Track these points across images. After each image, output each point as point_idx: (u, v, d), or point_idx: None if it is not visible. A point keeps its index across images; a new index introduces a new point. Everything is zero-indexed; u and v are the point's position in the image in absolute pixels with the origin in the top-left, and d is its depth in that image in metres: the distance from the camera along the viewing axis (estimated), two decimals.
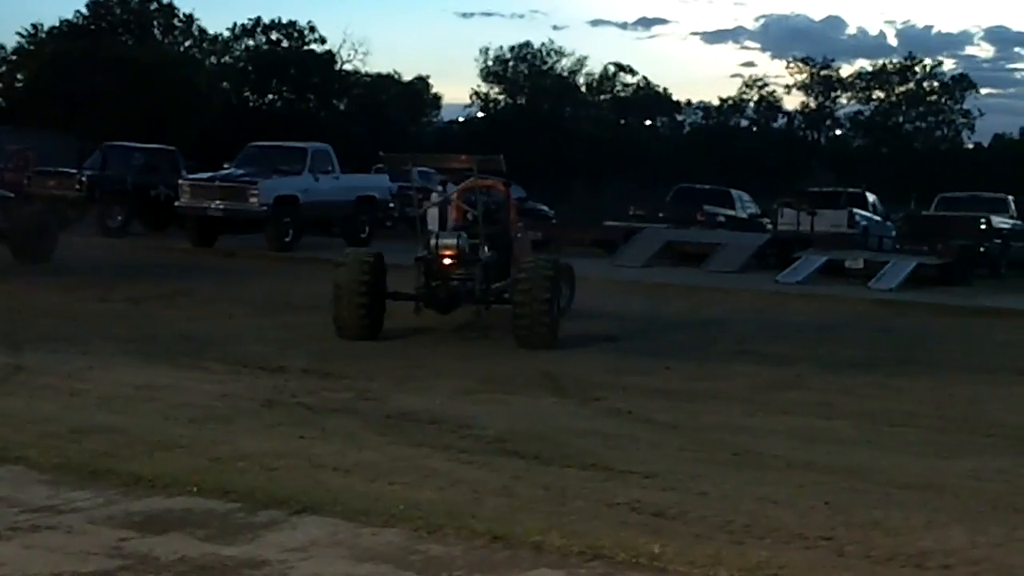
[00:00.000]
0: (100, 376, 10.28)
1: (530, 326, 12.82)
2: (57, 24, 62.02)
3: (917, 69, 79.34)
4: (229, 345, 12.39)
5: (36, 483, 6.68)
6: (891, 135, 78.18)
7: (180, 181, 26.95)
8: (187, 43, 67.49)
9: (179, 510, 6.22)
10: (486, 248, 13.93)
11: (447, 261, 13.51)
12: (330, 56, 70.60)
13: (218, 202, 25.59)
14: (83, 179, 27.96)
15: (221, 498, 6.45)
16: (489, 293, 13.74)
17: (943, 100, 79.40)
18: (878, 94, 80.00)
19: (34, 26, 61.74)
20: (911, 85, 79.22)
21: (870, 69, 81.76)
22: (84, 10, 63.12)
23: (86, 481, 6.73)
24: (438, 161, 18.31)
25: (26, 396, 9.29)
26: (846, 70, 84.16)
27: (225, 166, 27.78)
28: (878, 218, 34.05)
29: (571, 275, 16.17)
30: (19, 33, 62.22)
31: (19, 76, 61.04)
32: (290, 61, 68.59)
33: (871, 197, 35.04)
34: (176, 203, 26.62)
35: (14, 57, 61.74)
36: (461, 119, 79.17)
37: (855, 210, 32.19)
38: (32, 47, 60.46)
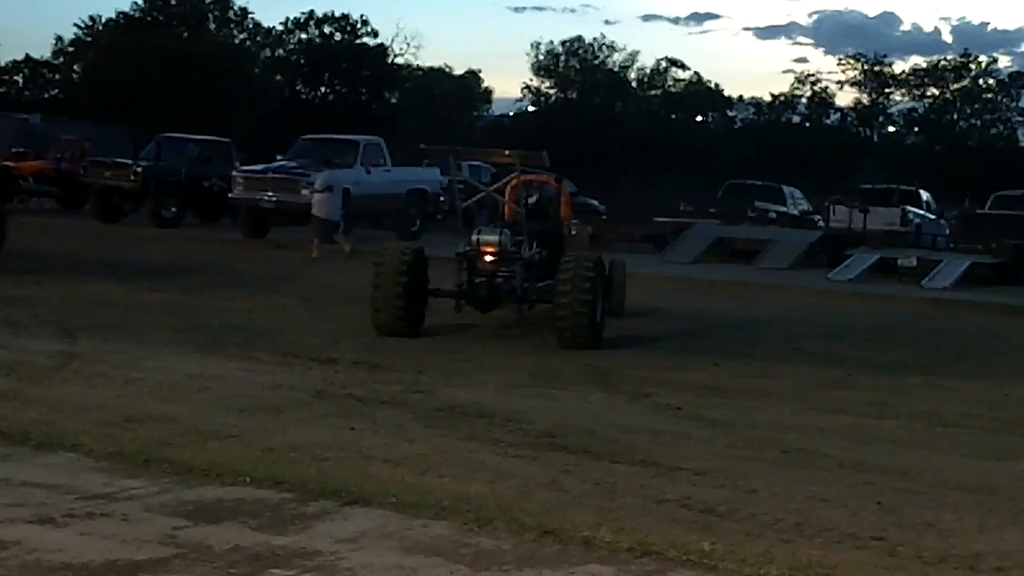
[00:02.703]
0: (153, 365, 10.37)
1: (571, 327, 12.46)
2: (113, 16, 62.58)
3: (972, 66, 78.46)
4: (280, 336, 12.47)
5: (91, 470, 6.76)
6: (945, 132, 77.36)
7: (233, 173, 27.14)
8: (241, 36, 67.92)
9: (231, 499, 6.28)
10: (534, 245, 13.65)
11: (488, 258, 13.27)
12: (382, 49, 70.79)
13: (270, 194, 25.76)
14: (138, 170, 28.22)
15: (273, 488, 6.50)
16: (533, 291, 13.40)
17: (998, 98, 78.47)
18: (932, 91, 79.19)
19: (91, 18, 62.49)
20: (966, 82, 78.34)
21: (924, 66, 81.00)
22: (140, 2, 63.69)
23: (140, 469, 6.80)
24: (479, 155, 18.20)
25: (81, 384, 9.40)
26: (899, 66, 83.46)
27: (278, 158, 27.96)
28: (931, 216, 33.78)
29: (622, 272, 15.75)
30: (76, 25, 62.94)
31: (76, 68, 61.67)
32: (343, 54, 68.81)
33: (924, 195, 34.76)
34: (229, 195, 26.83)
35: (71, 49, 62.39)
36: (512, 113, 79.15)
37: (908, 208, 31.94)
38: (89, 39, 61.07)
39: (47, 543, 5.39)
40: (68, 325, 12.41)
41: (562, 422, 8.80)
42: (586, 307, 12.39)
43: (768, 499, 6.80)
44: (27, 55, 65.27)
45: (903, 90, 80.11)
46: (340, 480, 6.67)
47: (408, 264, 12.78)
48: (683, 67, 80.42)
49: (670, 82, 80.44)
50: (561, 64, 78.58)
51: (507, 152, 14.29)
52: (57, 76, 64.39)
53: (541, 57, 78.60)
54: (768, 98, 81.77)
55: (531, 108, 78.22)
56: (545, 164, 14.04)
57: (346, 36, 70.93)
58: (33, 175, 31.41)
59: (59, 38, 64.45)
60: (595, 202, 39.54)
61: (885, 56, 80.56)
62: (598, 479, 7.10)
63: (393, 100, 71.12)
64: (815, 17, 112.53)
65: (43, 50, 71.88)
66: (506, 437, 8.19)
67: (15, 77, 65.92)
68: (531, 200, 14.65)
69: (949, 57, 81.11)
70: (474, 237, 13.30)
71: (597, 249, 17.06)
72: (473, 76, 77.39)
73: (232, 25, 67.71)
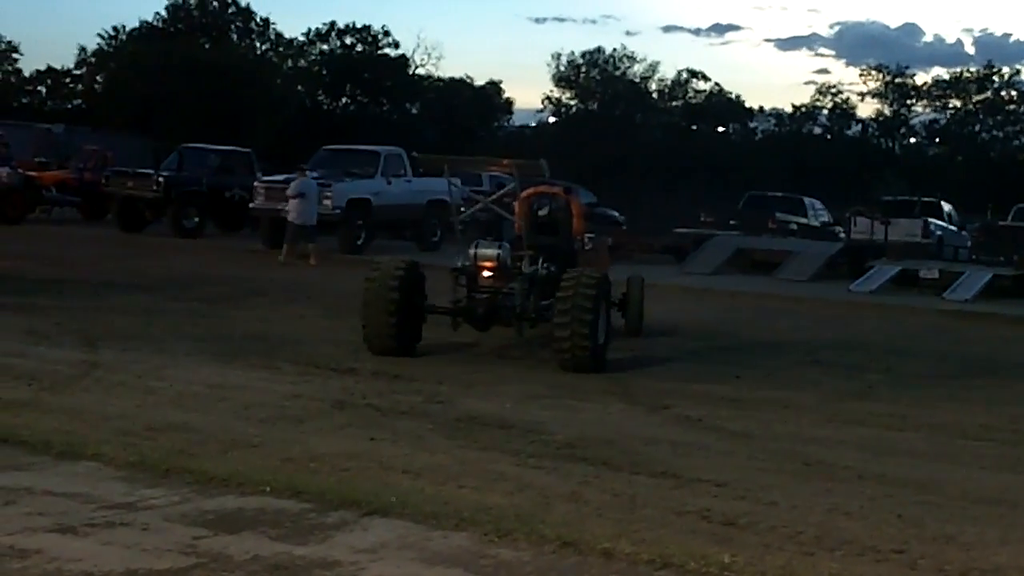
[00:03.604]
0: (174, 375, 10.40)
1: (571, 349, 11.62)
2: (136, 26, 62.85)
3: (995, 78, 78.17)
4: (300, 346, 12.50)
5: (112, 480, 6.78)
6: (967, 144, 77.03)
7: (255, 183, 27.22)
8: (263, 47, 68.15)
9: (252, 509, 6.29)
10: (541, 260, 12.93)
11: (487, 273, 12.60)
12: (403, 60, 70.89)
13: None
14: (160, 180, 28.33)
15: (293, 498, 6.51)
16: (533, 309, 12.54)
17: (1021, 109, 78.17)
18: (954, 102, 78.90)
19: (114, 28, 62.75)
20: (988, 94, 78.02)
21: (946, 77, 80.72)
22: (163, 13, 63.99)
23: (161, 479, 6.82)
24: (477, 165, 17.58)
25: (102, 393, 9.43)
26: (921, 78, 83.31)
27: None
28: (953, 228, 33.67)
29: (640, 289, 15.00)
30: (100, 35, 63.26)
31: (98, 78, 61.96)
32: (364, 65, 68.94)
33: (946, 207, 34.66)
34: (250, 204, 26.91)
35: (94, 59, 62.70)
36: (532, 124, 79.18)
37: (930, 219, 31.85)
38: (112, 49, 61.36)
39: (68, 552, 5.41)
40: (89, 334, 12.46)
41: (582, 433, 8.79)
42: (586, 328, 11.56)
43: (788, 511, 6.79)
44: (50, 65, 65.64)
45: (925, 101, 79.81)
46: (360, 490, 6.67)
47: (401, 279, 12.10)
48: (704, 78, 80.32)
49: (691, 93, 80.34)
50: (582, 75, 78.54)
51: (505, 162, 13.74)
52: (80, 86, 64.67)
53: (562, 68, 78.58)
54: (789, 109, 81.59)
55: (552, 119, 78.23)
56: (544, 174, 13.40)
57: (367, 47, 71.07)
58: (56, 185, 31.58)
59: (82, 48, 64.75)
60: (615, 213, 39.49)
61: (907, 67, 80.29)
62: (618, 490, 7.09)
63: (414, 111, 71.24)
64: (836, 28, 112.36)
65: (66, 60, 72.41)
66: (526, 448, 8.19)
67: (38, 87, 66.26)
68: (541, 213, 14.25)
69: (972, 68, 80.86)
70: (471, 251, 12.67)
71: (614, 262, 16.82)
72: (494, 87, 77.43)
73: (254, 36, 67.90)
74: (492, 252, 12.58)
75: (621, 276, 14.88)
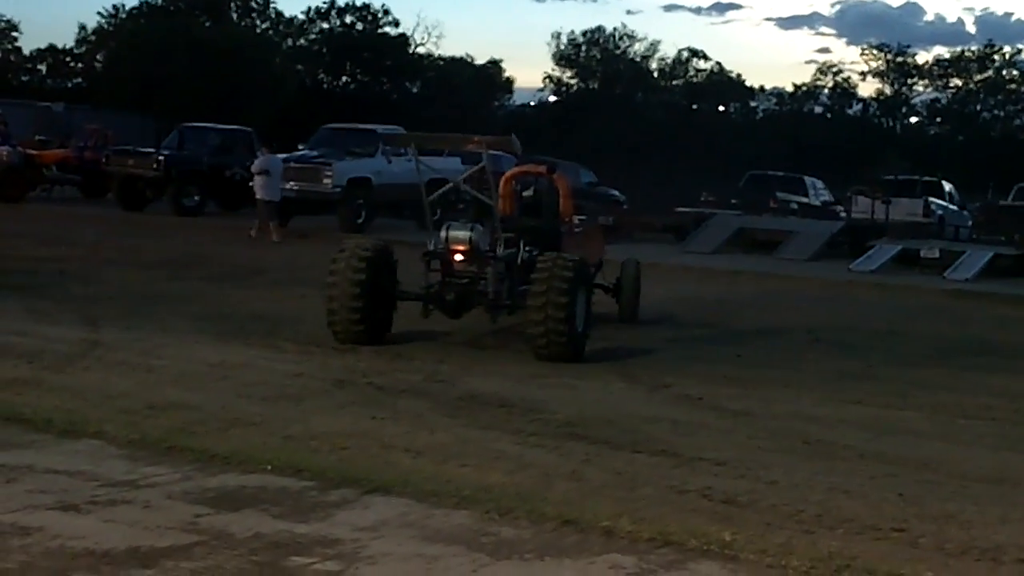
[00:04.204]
0: (175, 353, 10.41)
1: (545, 337, 10.88)
2: (136, 5, 62.73)
3: (996, 57, 78.11)
4: (301, 325, 12.48)
5: (114, 458, 6.79)
6: (968, 123, 77.04)
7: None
8: (263, 25, 68.04)
9: (253, 487, 6.30)
10: (522, 244, 12.15)
11: (458, 257, 11.78)
12: (403, 39, 70.86)
13: (292, 183, 25.78)
14: (160, 159, 28.27)
15: (294, 476, 6.52)
16: (508, 295, 11.83)
17: (1022, 88, 78.11)
18: (956, 82, 78.88)
19: (115, 7, 62.58)
20: (989, 73, 77.98)
21: (947, 56, 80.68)
22: None
23: (162, 457, 6.83)
24: (444, 142, 16.48)
25: (103, 372, 9.44)
26: (923, 57, 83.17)
27: (299, 148, 27.99)
28: (954, 207, 33.64)
29: (634, 274, 14.31)
30: (100, 14, 63.13)
31: (98, 57, 61.88)
32: (364, 44, 68.88)
33: (947, 186, 34.61)
34: (251, 183, 26.86)
35: (94, 38, 62.60)
36: (532, 103, 79.11)
37: (931, 199, 31.82)
38: (112, 28, 61.25)
39: (70, 530, 5.42)
40: (90, 313, 12.46)
41: (582, 412, 8.80)
42: (562, 314, 10.81)
43: (789, 490, 6.80)
44: (51, 44, 65.66)
45: (926, 81, 79.83)
46: (361, 469, 6.69)
47: (368, 261, 11.31)
48: (705, 57, 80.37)
49: (691, 72, 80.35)
50: (582, 54, 78.51)
51: (476, 139, 12.61)
52: (80, 65, 64.61)
53: (562, 47, 78.64)
54: (790, 88, 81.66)
55: (552, 98, 78.19)
56: (515, 150, 12.61)
57: (367, 25, 71.02)
58: (56, 164, 31.52)
59: (82, 27, 64.72)
60: (616, 192, 39.47)
61: (908, 46, 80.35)
62: (618, 469, 7.11)
63: (414, 90, 71.24)
64: (838, 7, 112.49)
65: (67, 39, 72.36)
66: (526, 427, 8.20)
67: (39, 66, 66.23)
68: (526, 194, 13.58)
69: (973, 47, 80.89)
70: (442, 234, 11.82)
71: (614, 242, 16.64)
72: (494, 66, 77.44)
73: (254, 14, 67.83)
74: (464, 235, 11.75)
75: (622, 256, 14.88)
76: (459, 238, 11.75)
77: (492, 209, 12.21)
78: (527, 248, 12.16)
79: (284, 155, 27.43)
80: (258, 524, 5.65)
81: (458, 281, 11.83)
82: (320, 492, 6.26)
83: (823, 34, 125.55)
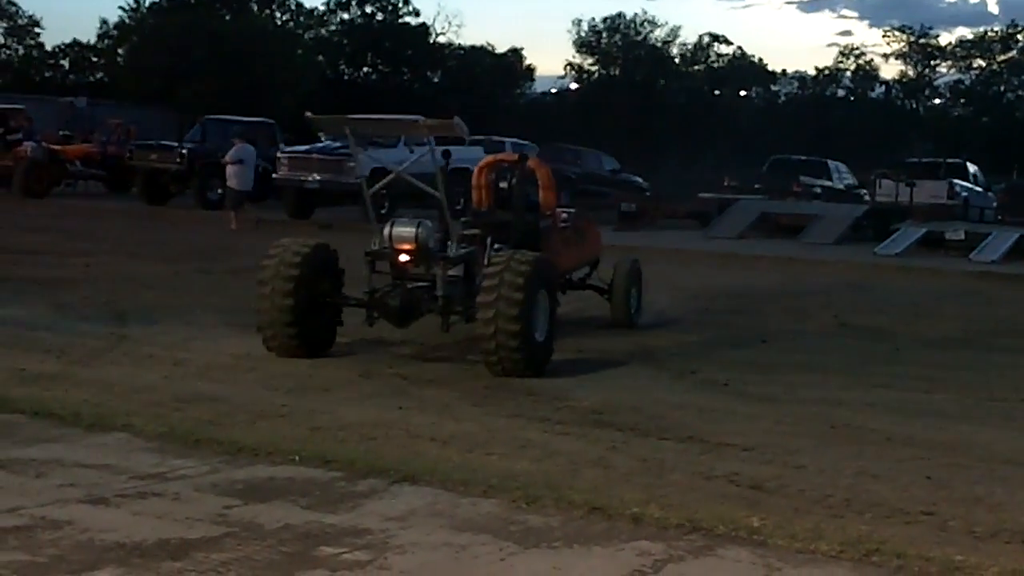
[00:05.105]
0: (202, 346, 10.44)
1: (496, 350, 9.38)
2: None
3: (1020, 37, 77.56)
4: None
5: (142, 451, 6.82)
6: (992, 104, 76.54)
7: (278, 154, 27.26)
8: (284, 17, 68.09)
9: (281, 478, 6.32)
10: (489, 241, 10.91)
11: (403, 257, 10.33)
12: (424, 29, 70.78)
13: (315, 175, 25.85)
14: (183, 152, 28.40)
15: (322, 467, 6.54)
16: (458, 300, 10.30)
17: None
18: (979, 62, 78.39)
19: (136, 1, 62.65)
20: (1013, 53, 77.46)
21: (971, 37, 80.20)
22: None
23: (190, 449, 6.86)
24: (381, 125, 14.73)
25: (130, 365, 9.47)
26: (945, 38, 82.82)
27: (322, 139, 28.04)
28: (979, 189, 33.50)
29: (629, 274, 12.80)
30: (121, 8, 63.23)
31: (120, 51, 62.05)
32: (385, 34, 68.86)
33: (971, 167, 34.49)
34: (273, 175, 26.94)
35: (116, 32, 62.76)
36: (554, 91, 79.00)
37: (955, 181, 31.68)
38: (133, 22, 61.39)
39: (100, 523, 5.45)
40: (117, 307, 12.52)
41: (608, 399, 8.80)
42: (516, 324, 9.28)
43: (816, 475, 6.79)
44: (73, 39, 65.85)
45: (949, 62, 79.35)
46: (389, 459, 6.70)
47: (301, 265, 10.00)
48: (726, 42, 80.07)
49: (713, 57, 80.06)
50: (603, 41, 78.30)
51: (421, 121, 10.97)
52: (102, 60, 64.79)
53: (583, 34, 78.41)
54: (812, 72, 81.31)
55: (573, 86, 78.04)
56: (462, 135, 11.04)
57: (388, 16, 70.96)
58: (80, 158, 31.69)
59: (104, 21, 65.00)
60: (639, 179, 39.44)
61: (931, 28, 79.88)
62: (645, 456, 7.10)
63: (435, 79, 71.19)
64: None
65: (89, 34, 72.68)
66: (553, 415, 8.20)
67: (61, 61, 66.45)
68: (503, 185, 12.09)
69: (996, 28, 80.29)
70: (386, 230, 10.41)
71: (638, 228, 16.46)
72: (515, 54, 77.27)
73: (275, 6, 67.84)
74: (409, 232, 10.29)
75: (645, 242, 14.86)
76: (404, 236, 10.31)
77: (441, 202, 10.70)
78: (496, 246, 10.83)
79: (306, 147, 27.51)
80: (287, 515, 5.67)
81: (409, 284, 10.41)
82: (348, 482, 6.28)
83: (845, 16, 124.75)
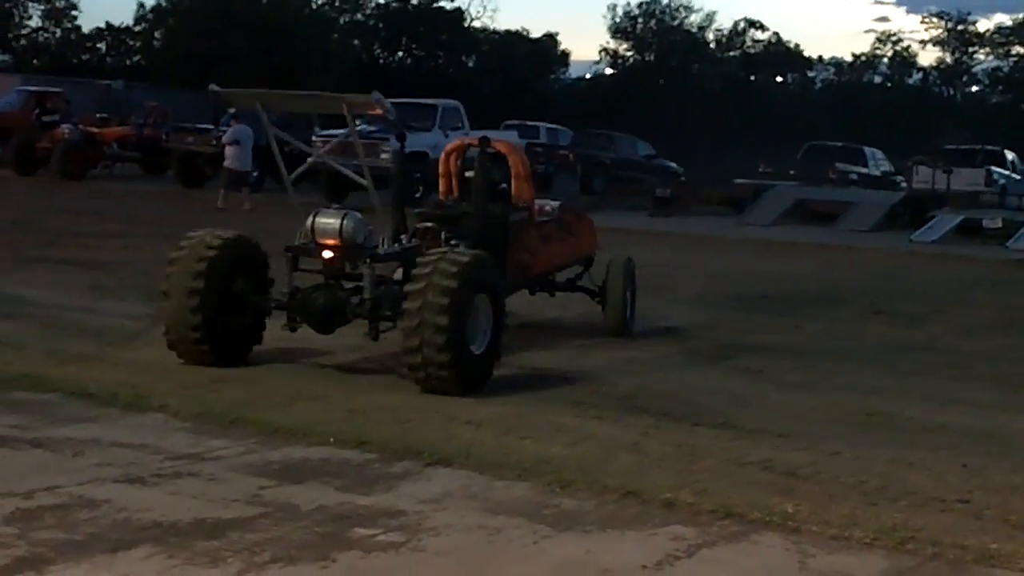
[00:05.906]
0: None
1: (423, 364, 8.09)
2: None
3: None
4: None
5: (178, 431, 6.87)
6: None
7: (313, 138, 27.30)
8: (319, 1, 68.15)
9: (316, 460, 6.35)
10: (443, 236, 9.80)
11: (327, 253, 9.08)
12: (459, 13, 70.67)
13: (350, 158, 25.88)
14: (219, 135, 28.48)
15: (357, 448, 6.56)
16: (395, 305, 8.69)
17: None
18: (1017, 49, 77.66)
19: None
20: None
21: (1009, 23, 79.43)
22: None
23: (226, 430, 6.89)
24: (294, 101, 13.34)
25: (165, 347, 9.50)
26: (984, 25, 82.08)
27: (357, 122, 28.05)
28: (1017, 176, 33.24)
29: (622, 277, 11.26)
30: None
31: (156, 35, 62.28)
32: (419, 18, 68.78)
33: (1009, 155, 34.22)
34: (308, 159, 26.98)
35: (152, 15, 62.99)
36: (588, 76, 78.77)
37: (992, 168, 31.46)
38: (170, 6, 61.58)
39: (136, 502, 5.49)
40: (153, 289, 12.47)
41: (642, 384, 8.80)
42: (443, 335, 7.99)
43: (851, 462, 6.77)
44: (109, 23, 66.04)
45: (987, 48, 78.63)
46: (423, 441, 6.72)
47: (210, 262, 8.83)
48: (762, 28, 79.49)
49: (748, 43, 79.58)
50: (638, 26, 77.98)
51: (343, 98, 9.62)
52: (138, 43, 65.02)
53: (618, 19, 78.00)
54: (849, 58, 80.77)
55: (608, 71, 77.80)
56: (386, 112, 9.46)
57: (423, 0, 70.92)
58: (117, 141, 31.86)
59: (140, 5, 64.96)
60: (674, 164, 39.35)
61: (969, 14, 79.05)
62: (679, 441, 7.10)
63: (470, 64, 71.08)
64: None
65: (125, 17, 72.61)
66: (586, 399, 8.21)
67: (98, 44, 66.71)
68: (468, 174, 10.69)
69: None
70: (308, 222, 9.18)
71: (674, 214, 16.33)
72: (550, 39, 77.04)
73: None
74: (332, 224, 9.02)
75: (680, 228, 14.81)
76: (327, 229, 9.04)
77: (369, 189, 9.50)
78: (452, 242, 9.69)
79: (341, 131, 27.55)
80: (321, 496, 5.70)
81: (328, 285, 9.17)
82: (383, 464, 6.30)
83: (882, 3, 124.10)
